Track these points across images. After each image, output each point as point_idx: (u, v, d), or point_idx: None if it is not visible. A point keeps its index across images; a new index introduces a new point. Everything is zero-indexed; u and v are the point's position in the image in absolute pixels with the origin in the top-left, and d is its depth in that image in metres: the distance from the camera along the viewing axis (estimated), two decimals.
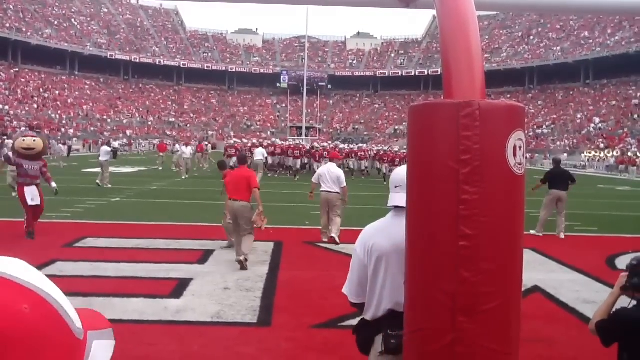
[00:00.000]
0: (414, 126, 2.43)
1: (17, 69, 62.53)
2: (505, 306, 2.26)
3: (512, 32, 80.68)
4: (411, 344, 2.42)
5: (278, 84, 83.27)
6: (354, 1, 5.38)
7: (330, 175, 10.04)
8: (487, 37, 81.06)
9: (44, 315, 0.75)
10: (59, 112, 59.40)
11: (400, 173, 2.83)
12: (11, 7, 66.09)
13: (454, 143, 2.22)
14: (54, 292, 0.79)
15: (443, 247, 2.24)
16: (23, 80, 61.74)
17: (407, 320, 2.45)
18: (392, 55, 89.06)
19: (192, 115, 74.99)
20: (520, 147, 2.28)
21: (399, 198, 2.73)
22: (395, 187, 2.82)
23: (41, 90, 61.87)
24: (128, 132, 62.06)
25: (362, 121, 78.02)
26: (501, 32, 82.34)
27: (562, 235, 11.30)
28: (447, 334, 2.23)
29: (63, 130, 53.22)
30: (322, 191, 10.04)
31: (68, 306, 0.80)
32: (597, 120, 55.90)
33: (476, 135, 2.19)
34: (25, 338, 0.72)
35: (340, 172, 10.25)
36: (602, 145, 49.50)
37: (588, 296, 6.89)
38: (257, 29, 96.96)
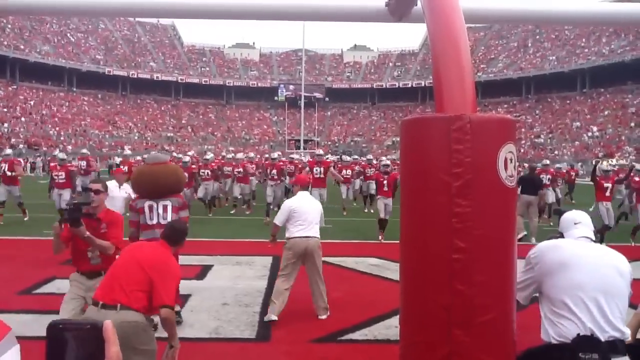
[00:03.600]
0: (407, 140, 2.46)
1: (15, 86, 62.68)
2: (500, 318, 2.27)
3: (507, 43, 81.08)
4: (407, 357, 2.43)
5: (276, 98, 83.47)
6: (346, 16, 5.43)
7: (310, 210, 6.56)
8: (483, 47, 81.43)
9: None
10: (57, 128, 59.47)
11: (580, 213, 3.08)
12: (9, 25, 66.37)
13: (446, 156, 2.24)
14: None
15: (437, 260, 2.26)
16: (21, 97, 61.85)
17: (402, 333, 2.46)
18: (389, 67, 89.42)
19: (190, 129, 75.10)
20: (511, 160, 2.31)
21: (586, 230, 2.96)
22: (575, 223, 2.99)
23: (37, 106, 61.95)
24: (126, 148, 62.10)
25: (360, 133, 78.16)
26: (497, 42, 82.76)
27: (534, 240, 11.52)
28: (443, 347, 2.23)
29: (61, 146, 53.27)
30: (298, 237, 6.36)
31: None
32: (594, 128, 56.02)
33: (467, 149, 2.22)
34: None
35: (319, 205, 6.89)
36: (600, 154, 49.58)
37: None
38: (254, 43, 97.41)
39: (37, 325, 5.01)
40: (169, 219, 5.61)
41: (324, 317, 6.40)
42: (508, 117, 2.47)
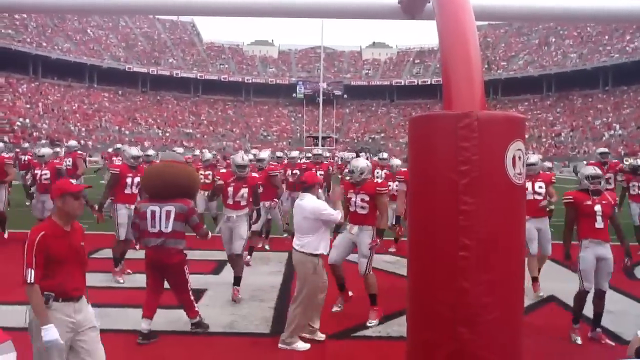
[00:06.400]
0: (414, 137, 2.46)
1: (37, 83, 63.57)
2: (506, 317, 2.26)
3: (528, 40, 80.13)
4: (413, 354, 2.43)
5: (294, 95, 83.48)
6: (360, 13, 5.43)
7: (297, 218, 5.44)
8: (503, 44, 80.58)
9: None
10: (78, 124, 60.20)
11: None
12: (32, 22, 67.29)
13: (453, 154, 2.24)
14: None
15: (443, 258, 2.26)
16: (43, 93, 62.71)
17: (409, 330, 2.47)
18: (408, 64, 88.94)
19: (209, 126, 75.49)
20: (519, 157, 2.29)
21: None
22: None
23: (58, 102, 62.76)
24: (146, 144, 62.63)
25: (379, 130, 77.88)
26: (517, 40, 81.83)
27: None
28: (448, 345, 2.23)
29: (82, 142, 53.90)
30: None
31: None
32: (617, 127, 55.18)
33: (474, 146, 2.21)
34: None
35: (314, 208, 5.27)
36: (622, 153, 48.81)
37: (606, 306, 6.80)
38: (272, 40, 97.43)
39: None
40: (170, 227, 5.52)
41: (322, 338, 5.56)
42: (516, 115, 2.46)
